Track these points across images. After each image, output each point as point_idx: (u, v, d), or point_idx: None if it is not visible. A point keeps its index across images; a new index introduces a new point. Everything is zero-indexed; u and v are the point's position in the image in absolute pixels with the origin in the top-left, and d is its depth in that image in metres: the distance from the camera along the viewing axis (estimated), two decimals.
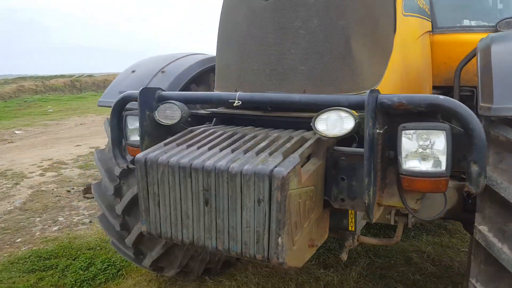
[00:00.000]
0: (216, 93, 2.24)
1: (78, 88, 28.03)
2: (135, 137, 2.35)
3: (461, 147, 1.62)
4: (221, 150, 1.81)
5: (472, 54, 2.70)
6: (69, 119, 15.67)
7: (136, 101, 2.24)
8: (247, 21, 2.15)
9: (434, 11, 3.26)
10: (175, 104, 2.12)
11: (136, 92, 2.25)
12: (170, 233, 1.84)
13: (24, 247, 4.48)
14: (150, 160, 1.83)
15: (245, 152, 1.75)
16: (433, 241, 4.26)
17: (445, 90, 3.10)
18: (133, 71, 3.16)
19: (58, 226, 5.06)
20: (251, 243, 1.63)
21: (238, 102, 2.00)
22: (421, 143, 1.63)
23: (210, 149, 1.84)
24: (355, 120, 1.66)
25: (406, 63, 2.47)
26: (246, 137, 1.91)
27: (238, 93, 2.03)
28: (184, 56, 3.29)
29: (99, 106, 3.09)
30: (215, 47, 2.49)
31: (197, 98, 2.25)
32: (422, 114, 1.66)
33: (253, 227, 1.61)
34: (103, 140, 9.50)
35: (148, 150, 1.92)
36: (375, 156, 1.66)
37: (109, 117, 2.64)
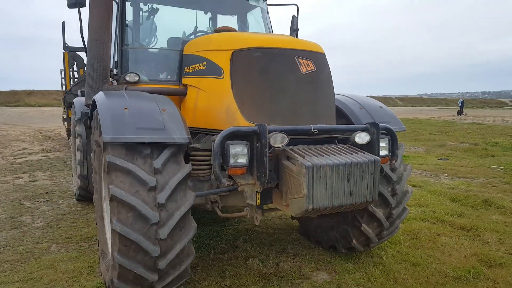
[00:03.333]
0: (301, 126, 3.53)
1: None
2: (233, 160, 3.27)
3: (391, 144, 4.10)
4: (336, 154, 3.42)
5: None
6: None
7: (237, 135, 3.25)
8: (295, 84, 3.71)
9: None
10: (282, 133, 3.36)
11: (244, 127, 3.28)
12: (326, 204, 3.23)
13: None
14: (319, 165, 3.16)
15: (344, 153, 3.48)
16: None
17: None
18: (126, 108, 3.39)
19: None
20: (367, 195, 3.43)
21: (316, 131, 3.57)
22: (384, 144, 3.97)
23: (329, 154, 3.39)
24: (370, 136, 3.81)
25: None
26: (326, 147, 3.58)
27: (311, 126, 3.58)
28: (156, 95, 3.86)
29: (113, 143, 3.07)
30: (250, 92, 3.70)
31: (292, 130, 3.46)
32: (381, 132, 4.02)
33: (368, 186, 3.43)
34: None
35: (303, 160, 3.19)
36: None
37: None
